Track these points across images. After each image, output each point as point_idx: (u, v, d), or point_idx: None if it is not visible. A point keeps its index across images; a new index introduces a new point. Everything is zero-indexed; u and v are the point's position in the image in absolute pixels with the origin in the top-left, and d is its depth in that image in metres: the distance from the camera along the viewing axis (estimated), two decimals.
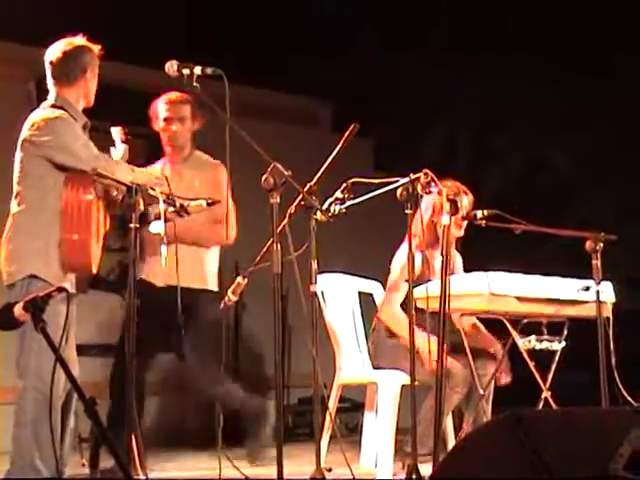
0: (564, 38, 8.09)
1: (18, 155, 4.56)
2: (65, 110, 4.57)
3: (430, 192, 4.33)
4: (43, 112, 4.57)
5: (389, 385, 5.29)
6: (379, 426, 5.35)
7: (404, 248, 5.10)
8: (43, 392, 4.30)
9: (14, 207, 4.56)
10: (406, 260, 4.54)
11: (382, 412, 5.34)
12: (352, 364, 5.56)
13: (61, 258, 4.46)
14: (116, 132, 4.72)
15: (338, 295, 5.74)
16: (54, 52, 4.65)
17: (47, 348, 3.35)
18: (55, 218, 4.45)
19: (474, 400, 5.39)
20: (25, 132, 4.53)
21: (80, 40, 4.67)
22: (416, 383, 4.37)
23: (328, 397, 5.02)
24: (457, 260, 5.76)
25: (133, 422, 3.93)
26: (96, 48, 4.70)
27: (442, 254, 4.42)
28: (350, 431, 7.79)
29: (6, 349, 6.46)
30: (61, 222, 4.43)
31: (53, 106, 4.59)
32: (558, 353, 5.35)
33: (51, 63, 4.64)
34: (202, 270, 5.62)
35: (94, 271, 4.52)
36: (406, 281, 4.99)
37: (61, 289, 3.71)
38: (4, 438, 4.60)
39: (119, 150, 4.74)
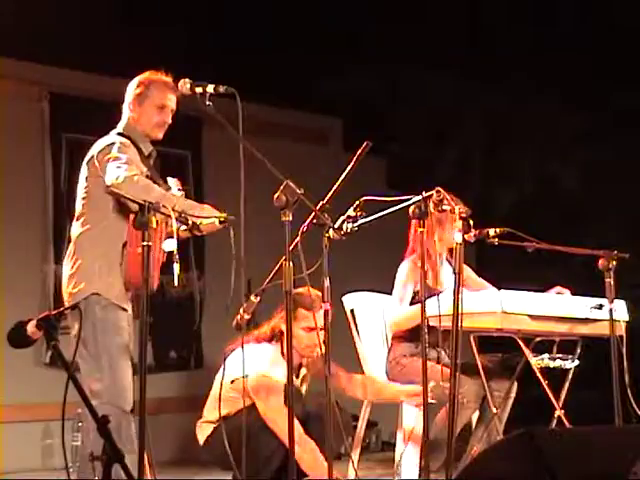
0: (577, 57, 8.11)
1: (83, 175, 4.60)
2: (130, 138, 4.61)
3: (442, 210, 4.32)
4: (109, 136, 4.62)
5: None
6: (403, 442, 5.36)
7: (406, 262, 5.46)
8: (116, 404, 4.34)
9: (77, 229, 4.57)
10: (408, 270, 5.12)
11: (405, 428, 5.35)
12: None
13: (123, 274, 4.47)
14: (173, 182, 4.71)
15: (368, 313, 5.77)
16: None
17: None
18: (116, 239, 4.47)
19: (486, 419, 5.38)
20: (92, 153, 4.57)
21: (146, 73, 4.71)
22: (432, 400, 4.38)
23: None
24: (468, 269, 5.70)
25: (145, 441, 3.91)
26: (162, 78, 4.67)
27: (455, 272, 4.41)
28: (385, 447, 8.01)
29: (11, 367, 6.48)
30: (128, 238, 4.43)
31: (118, 134, 4.64)
32: (571, 371, 5.35)
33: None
34: None
35: (154, 287, 4.49)
36: (415, 294, 5.12)
37: (74, 307, 3.72)
38: (16, 456, 4.55)
39: None
